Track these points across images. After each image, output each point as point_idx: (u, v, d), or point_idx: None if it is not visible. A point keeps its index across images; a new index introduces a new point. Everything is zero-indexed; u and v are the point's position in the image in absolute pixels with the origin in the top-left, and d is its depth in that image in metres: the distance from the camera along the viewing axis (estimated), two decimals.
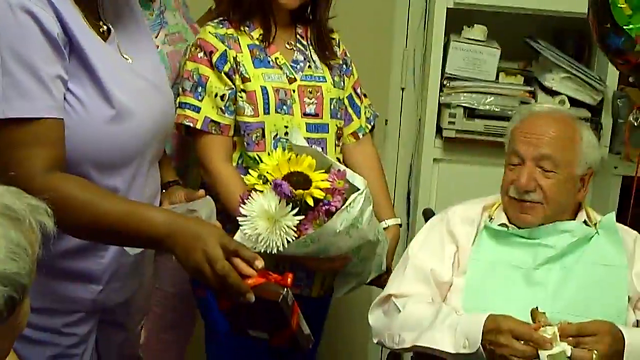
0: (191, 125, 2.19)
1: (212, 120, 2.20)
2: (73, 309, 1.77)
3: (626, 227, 2.24)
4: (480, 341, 1.88)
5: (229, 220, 2.22)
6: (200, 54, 2.20)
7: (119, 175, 1.73)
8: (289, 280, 1.62)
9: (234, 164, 2.26)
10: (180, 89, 2.23)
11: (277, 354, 2.46)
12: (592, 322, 1.91)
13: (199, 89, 2.20)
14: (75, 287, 1.76)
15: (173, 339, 2.87)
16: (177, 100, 2.21)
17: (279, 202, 1.90)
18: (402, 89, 3.29)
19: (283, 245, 1.90)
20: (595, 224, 2.16)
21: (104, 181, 1.69)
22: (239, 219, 1.95)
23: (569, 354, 1.82)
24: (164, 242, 1.58)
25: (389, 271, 2.35)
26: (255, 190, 1.97)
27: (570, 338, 1.86)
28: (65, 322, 1.76)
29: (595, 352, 1.84)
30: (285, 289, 1.60)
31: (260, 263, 1.57)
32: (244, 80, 2.19)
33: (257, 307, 1.59)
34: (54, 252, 1.67)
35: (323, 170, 1.98)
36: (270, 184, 1.94)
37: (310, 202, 1.92)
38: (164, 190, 1.98)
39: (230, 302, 1.62)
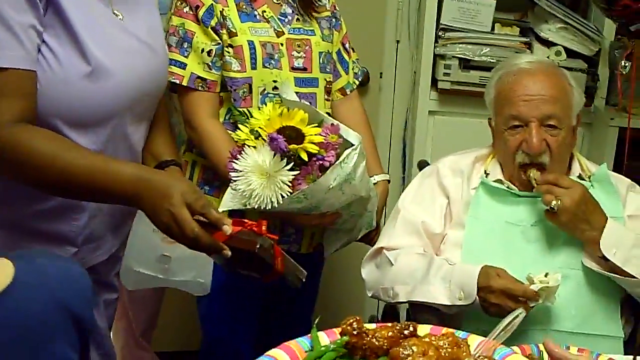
0: (177, 82, 2.15)
1: (199, 77, 2.16)
2: None
3: (620, 176, 2.23)
4: (476, 292, 1.88)
5: (216, 177, 2.20)
6: (186, 9, 2.15)
7: (93, 134, 1.69)
8: (263, 228, 1.61)
9: (221, 119, 2.22)
10: (166, 44, 2.18)
11: (268, 309, 2.47)
12: (570, 179, 2.01)
13: (185, 45, 2.15)
14: (50, 248, 1.72)
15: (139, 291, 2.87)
16: None
17: (274, 157, 1.88)
18: (397, 42, 3.25)
19: (278, 201, 1.88)
20: (589, 177, 2.15)
21: (77, 139, 1.65)
22: (232, 174, 1.92)
23: (559, 282, 1.84)
24: (131, 200, 1.56)
25: (378, 227, 2.34)
26: (247, 145, 1.94)
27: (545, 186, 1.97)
28: None
29: (560, 200, 1.93)
30: (261, 237, 1.60)
31: (228, 228, 1.56)
32: (231, 34, 2.15)
33: (239, 254, 1.59)
34: (27, 213, 1.67)
35: (315, 125, 1.95)
36: (263, 139, 1.91)
37: (304, 156, 1.89)
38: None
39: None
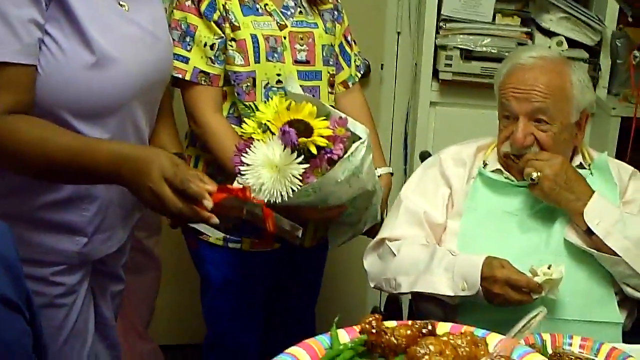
0: (180, 76, 2.13)
1: (202, 71, 2.14)
2: (58, 260, 1.74)
3: (623, 163, 2.23)
4: (479, 283, 1.88)
5: (220, 171, 2.19)
6: (188, 2, 2.13)
7: (102, 125, 1.67)
8: (248, 193, 1.60)
9: (225, 113, 2.21)
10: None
11: (272, 301, 2.48)
12: (549, 153, 2.04)
13: (187, 39, 2.13)
14: (59, 239, 1.72)
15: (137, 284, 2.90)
16: None
17: (284, 150, 1.86)
18: (398, 33, 3.25)
19: (288, 194, 1.86)
20: (589, 165, 2.15)
21: (85, 130, 1.64)
22: (242, 168, 1.89)
23: (562, 274, 1.85)
24: (113, 177, 1.55)
25: (382, 221, 2.33)
26: (254, 139, 1.93)
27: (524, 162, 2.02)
28: (52, 271, 1.74)
29: (540, 172, 1.98)
30: (247, 203, 1.59)
31: (209, 203, 1.53)
32: (234, 28, 2.13)
33: (228, 219, 1.59)
34: (37, 204, 1.67)
35: (323, 118, 1.93)
36: (272, 132, 1.89)
37: (314, 150, 1.88)
38: None
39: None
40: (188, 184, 1.52)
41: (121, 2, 1.71)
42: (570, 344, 1.72)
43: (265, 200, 1.87)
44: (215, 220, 1.55)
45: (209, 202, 1.53)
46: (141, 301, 2.98)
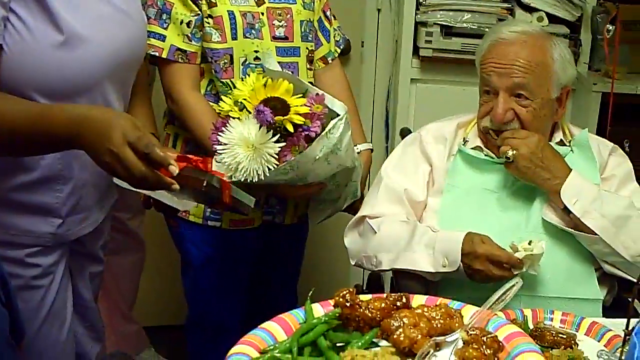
0: (157, 54, 2.12)
1: (179, 49, 2.13)
2: (33, 242, 1.73)
3: (603, 139, 2.24)
4: (460, 259, 1.88)
5: (198, 150, 2.18)
6: None
7: None
8: (209, 165, 1.59)
9: (202, 91, 2.20)
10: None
11: (254, 280, 2.47)
12: (527, 131, 2.03)
13: (164, 16, 2.11)
14: (34, 220, 1.71)
15: (121, 265, 2.90)
16: None
17: (260, 129, 1.85)
18: (378, 10, 3.25)
19: (264, 173, 1.86)
20: (569, 142, 2.14)
21: None
22: (218, 147, 1.89)
23: (543, 250, 1.85)
24: (73, 140, 1.49)
25: (362, 197, 2.33)
26: (232, 117, 1.92)
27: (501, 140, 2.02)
28: (27, 252, 1.72)
29: (515, 151, 1.98)
30: (208, 174, 1.56)
31: (175, 169, 1.48)
32: (210, 5, 2.11)
33: (186, 187, 1.56)
34: (9, 186, 1.66)
35: (300, 95, 1.92)
36: (248, 110, 1.88)
37: (290, 128, 1.87)
38: None
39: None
40: (153, 148, 1.46)
41: None
42: (551, 319, 1.73)
43: (242, 180, 1.86)
44: (176, 187, 1.51)
45: (175, 168, 1.49)
46: (125, 282, 2.98)
